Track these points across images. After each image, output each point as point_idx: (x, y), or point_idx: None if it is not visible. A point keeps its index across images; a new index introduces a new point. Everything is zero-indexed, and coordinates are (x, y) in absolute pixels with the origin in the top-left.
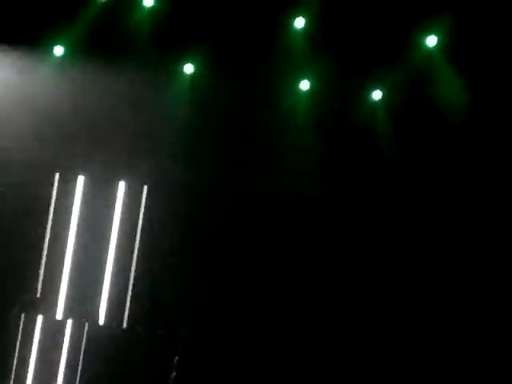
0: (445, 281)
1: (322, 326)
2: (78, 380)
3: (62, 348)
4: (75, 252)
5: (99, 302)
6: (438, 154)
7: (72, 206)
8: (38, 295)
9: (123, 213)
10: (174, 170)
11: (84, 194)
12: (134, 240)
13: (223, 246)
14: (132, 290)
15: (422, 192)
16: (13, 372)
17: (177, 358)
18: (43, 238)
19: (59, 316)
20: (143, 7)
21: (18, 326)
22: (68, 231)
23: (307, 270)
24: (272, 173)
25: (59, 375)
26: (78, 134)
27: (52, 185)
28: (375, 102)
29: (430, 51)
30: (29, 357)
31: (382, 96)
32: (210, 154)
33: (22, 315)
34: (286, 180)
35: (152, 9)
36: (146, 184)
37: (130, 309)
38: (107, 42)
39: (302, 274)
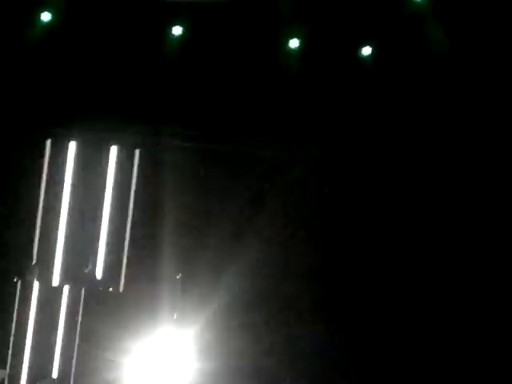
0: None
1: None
2: (76, 345)
3: (59, 313)
4: (70, 217)
5: (95, 266)
6: (428, 113)
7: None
8: (34, 261)
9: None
10: None
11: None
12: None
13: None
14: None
15: (415, 155)
16: (11, 340)
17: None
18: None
19: (56, 282)
20: None
21: (15, 292)
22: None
23: None
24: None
25: (57, 341)
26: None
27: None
28: (365, 58)
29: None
30: (26, 323)
31: (372, 52)
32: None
33: (19, 282)
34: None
35: None
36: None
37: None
38: None
39: None
